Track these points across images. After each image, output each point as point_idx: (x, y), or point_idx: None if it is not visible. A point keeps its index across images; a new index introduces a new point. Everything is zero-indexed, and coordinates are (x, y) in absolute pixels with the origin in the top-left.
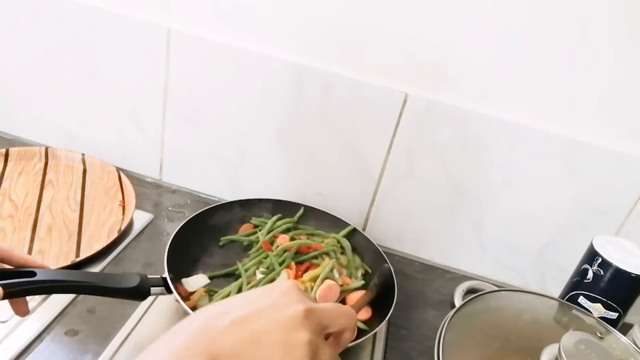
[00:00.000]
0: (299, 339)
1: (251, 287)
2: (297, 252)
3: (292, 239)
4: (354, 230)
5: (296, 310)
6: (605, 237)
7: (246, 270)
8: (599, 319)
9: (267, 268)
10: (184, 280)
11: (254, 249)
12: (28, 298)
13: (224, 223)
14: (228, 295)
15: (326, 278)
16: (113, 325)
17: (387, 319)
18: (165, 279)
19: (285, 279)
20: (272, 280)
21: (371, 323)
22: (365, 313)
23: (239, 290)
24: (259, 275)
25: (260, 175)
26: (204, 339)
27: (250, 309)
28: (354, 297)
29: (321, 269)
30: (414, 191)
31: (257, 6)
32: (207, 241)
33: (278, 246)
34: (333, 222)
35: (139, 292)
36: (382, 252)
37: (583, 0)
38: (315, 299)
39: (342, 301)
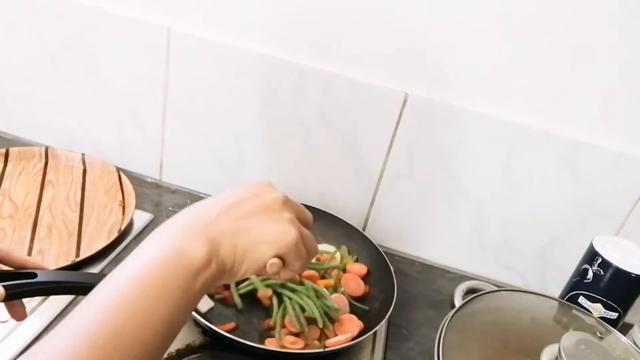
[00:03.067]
0: (283, 216)
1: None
2: None
3: None
4: (354, 230)
5: (277, 196)
6: (605, 237)
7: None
8: (599, 319)
9: None
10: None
11: None
12: (27, 299)
13: None
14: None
15: None
16: None
17: (387, 318)
18: None
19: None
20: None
21: (371, 323)
22: (359, 289)
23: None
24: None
25: (260, 175)
26: (200, 224)
27: (235, 199)
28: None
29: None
30: (414, 191)
31: (257, 6)
32: None
33: None
34: (333, 222)
35: None
36: (382, 252)
37: (584, 2)
38: None
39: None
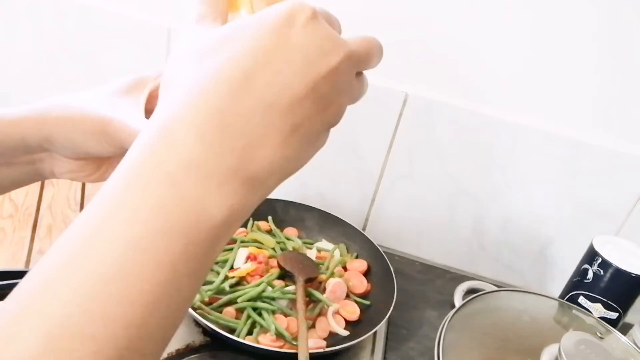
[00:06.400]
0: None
1: None
2: None
3: None
4: (354, 230)
5: (297, 7)
6: (605, 237)
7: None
8: (599, 319)
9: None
10: None
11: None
12: None
13: None
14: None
15: None
16: None
17: (387, 318)
18: None
19: None
20: None
21: (371, 323)
22: (362, 286)
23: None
24: None
25: None
26: (229, 159)
27: (285, 78)
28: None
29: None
30: (414, 191)
31: None
32: None
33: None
34: (333, 222)
35: None
36: (382, 252)
37: (583, 3)
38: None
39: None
